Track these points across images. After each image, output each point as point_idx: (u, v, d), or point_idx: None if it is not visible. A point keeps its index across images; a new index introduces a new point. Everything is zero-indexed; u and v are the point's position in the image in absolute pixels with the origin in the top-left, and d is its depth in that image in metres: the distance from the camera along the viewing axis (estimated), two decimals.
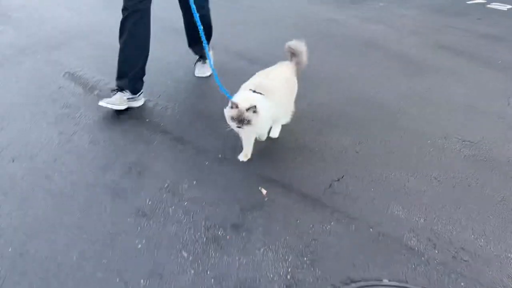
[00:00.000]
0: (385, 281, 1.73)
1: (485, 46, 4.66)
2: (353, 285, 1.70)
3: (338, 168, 2.42)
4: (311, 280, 1.71)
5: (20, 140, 2.57)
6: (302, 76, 2.75)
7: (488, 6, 6.42)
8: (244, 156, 2.44)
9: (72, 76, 3.35)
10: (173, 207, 2.09)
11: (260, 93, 2.25)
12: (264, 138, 2.54)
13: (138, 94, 2.94)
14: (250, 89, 2.29)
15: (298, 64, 2.63)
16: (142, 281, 1.69)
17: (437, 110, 3.17)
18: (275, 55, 2.84)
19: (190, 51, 3.43)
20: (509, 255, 1.89)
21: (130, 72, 2.83)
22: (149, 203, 2.11)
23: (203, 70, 3.45)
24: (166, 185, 2.24)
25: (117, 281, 1.69)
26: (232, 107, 2.16)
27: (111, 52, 2.99)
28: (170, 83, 3.36)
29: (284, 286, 1.68)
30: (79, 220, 1.99)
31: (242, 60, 3.82)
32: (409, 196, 2.23)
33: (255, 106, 2.12)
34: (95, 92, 3.13)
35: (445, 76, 3.81)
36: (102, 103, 2.76)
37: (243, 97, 2.22)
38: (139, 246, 1.85)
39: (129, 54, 2.79)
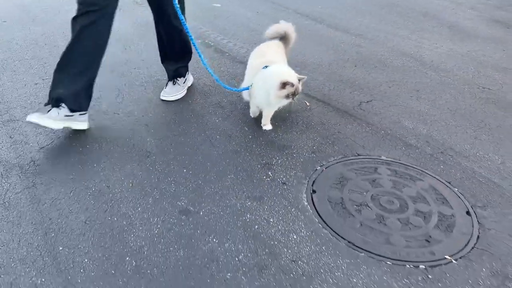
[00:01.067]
0: (383, 157, 2.44)
1: None
2: (360, 157, 2.43)
3: (369, 95, 3.12)
4: (329, 151, 2.47)
5: None
6: (368, 35, 3.43)
7: None
8: (269, 124, 2.61)
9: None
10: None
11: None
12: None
13: (80, 113, 2.40)
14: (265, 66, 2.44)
15: (286, 44, 2.79)
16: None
17: (467, 65, 3.70)
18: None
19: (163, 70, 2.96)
20: (485, 155, 2.50)
21: (71, 84, 2.30)
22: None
23: (173, 90, 2.87)
24: None
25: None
26: (285, 87, 2.28)
27: (202, 8, 3.86)
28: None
29: (311, 152, 2.46)
30: None
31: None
32: (420, 116, 2.88)
33: (303, 77, 2.39)
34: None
35: (490, 43, 4.25)
36: (32, 118, 2.21)
37: (287, 74, 2.34)
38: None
39: (71, 61, 2.28)
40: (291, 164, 2.34)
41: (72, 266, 1.66)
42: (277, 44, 2.75)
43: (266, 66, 2.44)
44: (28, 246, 1.74)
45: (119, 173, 2.19)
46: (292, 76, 2.33)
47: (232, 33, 4.15)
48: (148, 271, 1.66)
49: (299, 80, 2.35)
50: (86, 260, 1.69)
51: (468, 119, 2.87)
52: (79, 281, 1.61)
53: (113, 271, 1.65)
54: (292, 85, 2.30)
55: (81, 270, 1.65)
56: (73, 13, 2.27)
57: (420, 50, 3.97)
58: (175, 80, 2.88)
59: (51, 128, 2.28)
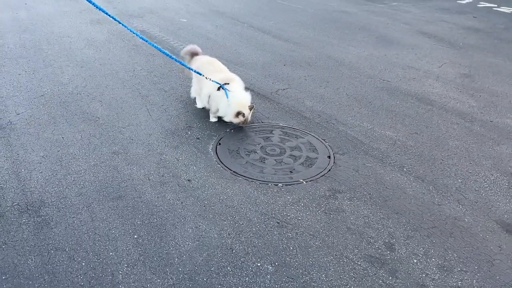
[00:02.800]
0: (280, 124, 3.19)
1: (460, 34, 5.79)
2: (262, 124, 3.18)
3: (287, 85, 3.89)
4: None
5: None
6: (304, 43, 4.24)
7: (483, 5, 7.40)
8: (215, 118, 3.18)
9: (143, 33, 5.14)
10: None
11: (228, 83, 3.01)
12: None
13: None
14: (225, 83, 2.99)
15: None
16: None
17: (378, 65, 4.49)
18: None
19: None
20: (360, 124, 3.24)
21: None
22: None
23: None
24: None
25: None
26: (239, 116, 2.90)
27: (171, 22, 4.69)
28: None
29: (225, 121, 3.20)
30: None
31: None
32: (321, 99, 3.64)
33: (253, 106, 3.00)
34: (155, 40, 4.88)
35: (407, 48, 5.07)
36: None
37: (238, 102, 2.91)
38: None
39: None
40: (208, 127, 3.09)
41: None
42: (214, 60, 3.32)
43: (226, 84, 2.98)
44: None
45: (78, 133, 2.94)
46: (242, 106, 2.91)
47: (189, 41, 4.97)
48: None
49: (250, 108, 2.95)
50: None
51: (359, 101, 3.64)
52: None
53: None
54: (244, 115, 2.93)
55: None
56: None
57: (344, 54, 4.78)
58: None
59: None
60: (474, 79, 4.24)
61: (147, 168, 2.57)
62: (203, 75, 3.02)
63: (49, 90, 3.51)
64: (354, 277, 1.89)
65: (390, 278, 1.89)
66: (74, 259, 1.89)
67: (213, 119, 3.17)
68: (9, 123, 2.99)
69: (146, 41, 2.93)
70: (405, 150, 2.92)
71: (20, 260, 1.88)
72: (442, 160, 2.83)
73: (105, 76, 3.86)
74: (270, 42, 5.07)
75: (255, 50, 4.76)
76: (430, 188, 2.53)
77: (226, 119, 3.05)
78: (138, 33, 2.93)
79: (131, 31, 2.84)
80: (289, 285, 1.83)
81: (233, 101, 2.93)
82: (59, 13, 5.71)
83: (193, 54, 3.43)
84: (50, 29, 5.04)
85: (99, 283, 1.79)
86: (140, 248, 1.98)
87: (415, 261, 2.00)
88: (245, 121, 2.99)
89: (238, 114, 2.94)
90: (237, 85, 3.04)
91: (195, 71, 3.11)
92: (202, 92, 3.16)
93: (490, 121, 3.39)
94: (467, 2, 7.85)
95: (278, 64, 4.39)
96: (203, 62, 3.28)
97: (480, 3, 7.83)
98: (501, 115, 3.50)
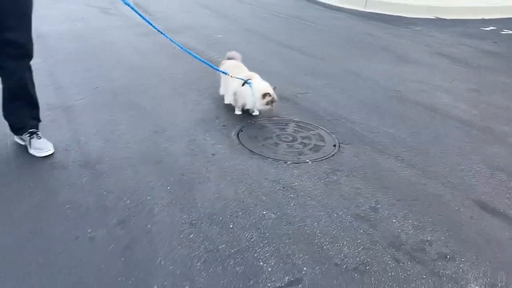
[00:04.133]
0: (295, 119, 3.68)
1: (477, 56, 6.15)
2: (280, 118, 3.68)
3: (307, 90, 4.39)
4: (262, 115, 3.73)
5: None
6: (327, 58, 4.79)
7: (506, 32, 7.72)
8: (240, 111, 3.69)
9: (183, 45, 5.80)
10: None
11: (250, 79, 3.53)
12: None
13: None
14: (247, 79, 3.50)
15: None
16: None
17: (393, 79, 4.94)
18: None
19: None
20: (367, 122, 3.69)
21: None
22: None
23: (42, 146, 2.82)
24: None
25: None
26: (266, 96, 3.35)
27: (208, 37, 5.34)
28: None
29: (249, 115, 3.72)
30: None
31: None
32: (335, 103, 4.10)
33: (275, 87, 3.48)
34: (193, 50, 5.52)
35: (423, 66, 5.49)
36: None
37: (263, 87, 3.43)
38: None
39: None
40: (233, 118, 3.63)
41: None
42: (240, 64, 3.86)
43: (249, 80, 3.50)
44: None
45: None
46: (265, 88, 3.39)
47: (223, 52, 5.58)
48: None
49: (273, 89, 3.42)
50: None
51: (369, 106, 4.09)
52: None
53: None
54: (269, 94, 3.40)
55: None
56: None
57: (362, 69, 5.25)
58: None
59: None
60: (482, 94, 4.60)
61: (181, 144, 3.11)
62: (229, 74, 3.58)
63: (101, 84, 4.17)
64: (340, 226, 2.33)
65: (371, 230, 2.32)
66: (121, 198, 2.43)
67: (237, 112, 3.70)
68: (70, 106, 3.63)
69: (183, 48, 3.53)
70: (403, 144, 3.34)
71: (79, 198, 2.43)
72: (435, 153, 3.23)
73: (149, 77, 4.50)
74: (295, 57, 5.62)
75: (280, 63, 5.31)
76: (420, 173, 2.94)
77: (256, 107, 3.54)
78: (178, 43, 3.55)
79: (172, 41, 3.45)
80: (287, 227, 2.29)
81: (257, 88, 3.44)
82: (111, 27, 6.50)
83: (230, 59, 4.04)
84: (103, 38, 5.79)
85: (139, 213, 2.31)
86: (172, 195, 2.50)
87: (394, 221, 2.41)
88: (272, 100, 3.41)
89: (264, 95, 3.39)
90: (258, 79, 3.58)
91: (222, 72, 3.68)
92: (228, 90, 3.71)
93: (488, 127, 3.75)
94: (490, 29, 8.18)
95: (300, 74, 4.91)
96: (229, 65, 3.85)
97: (504, 30, 8.14)
98: (500, 124, 3.85)
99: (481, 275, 2.08)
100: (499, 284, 2.03)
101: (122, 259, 2.03)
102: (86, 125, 3.31)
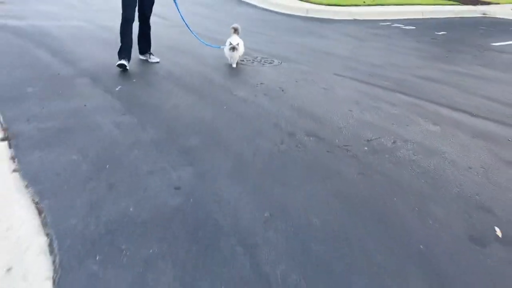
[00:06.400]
0: (272, 60, 7.67)
1: (369, 37, 10.35)
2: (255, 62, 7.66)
3: (268, 53, 8.39)
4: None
5: None
6: (275, 36, 8.85)
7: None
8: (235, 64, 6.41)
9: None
10: None
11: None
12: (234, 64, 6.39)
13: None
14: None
15: (238, 34, 6.24)
16: None
17: (314, 44, 9.04)
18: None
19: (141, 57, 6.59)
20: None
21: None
22: None
23: (154, 58, 6.62)
24: None
25: None
26: (231, 45, 6.08)
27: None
28: None
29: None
30: None
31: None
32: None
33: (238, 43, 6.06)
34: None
35: (333, 41, 9.62)
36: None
37: (234, 40, 6.05)
38: None
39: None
40: (231, 71, 7.58)
41: None
42: (237, 36, 6.66)
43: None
44: None
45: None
46: (234, 40, 6.51)
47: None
48: None
49: (237, 43, 6.41)
50: None
51: (297, 51, 8.12)
52: None
53: None
54: (230, 43, 6.47)
55: None
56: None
57: (298, 41, 9.31)
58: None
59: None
60: (359, 50, 8.71)
61: (198, 83, 7.01)
62: (220, 47, 7.57)
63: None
64: (339, 83, 6.28)
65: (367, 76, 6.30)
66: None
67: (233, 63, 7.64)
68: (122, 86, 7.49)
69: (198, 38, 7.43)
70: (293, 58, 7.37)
71: (145, 95, 6.30)
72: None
73: (182, 65, 8.39)
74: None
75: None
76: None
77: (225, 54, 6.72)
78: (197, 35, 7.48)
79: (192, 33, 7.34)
80: (280, 97, 6.24)
81: (226, 44, 6.33)
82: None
83: (235, 30, 6.71)
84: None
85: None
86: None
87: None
88: (234, 48, 6.42)
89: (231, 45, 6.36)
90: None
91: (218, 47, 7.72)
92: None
93: (349, 59, 7.84)
94: (386, 24, 12.51)
95: (266, 44, 8.91)
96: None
97: (394, 24, 12.49)
98: (354, 60, 7.95)
99: None
100: None
101: None
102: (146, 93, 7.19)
